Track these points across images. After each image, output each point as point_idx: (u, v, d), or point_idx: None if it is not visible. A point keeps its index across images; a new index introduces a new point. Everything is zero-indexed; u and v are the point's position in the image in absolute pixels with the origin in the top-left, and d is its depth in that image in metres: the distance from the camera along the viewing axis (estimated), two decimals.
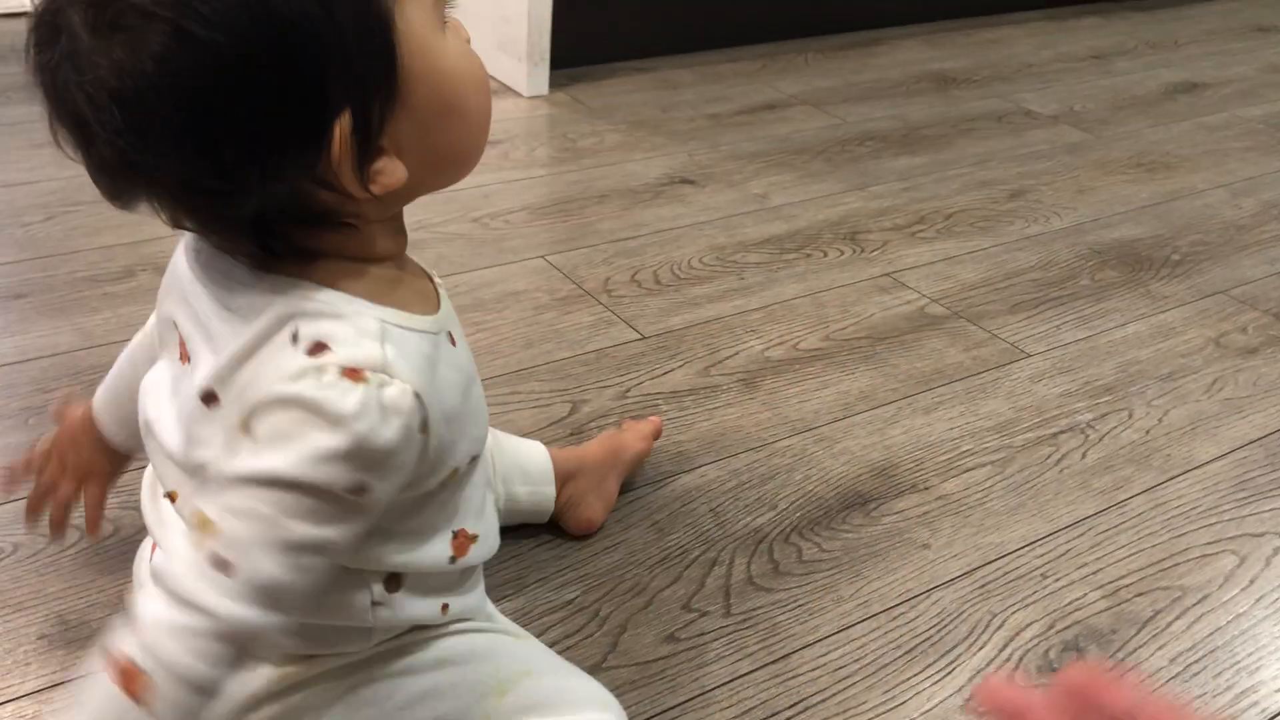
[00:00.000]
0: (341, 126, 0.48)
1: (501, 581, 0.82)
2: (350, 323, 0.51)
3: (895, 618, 0.81)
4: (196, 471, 0.56)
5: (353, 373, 0.50)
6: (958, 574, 0.86)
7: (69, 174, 1.35)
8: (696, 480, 0.93)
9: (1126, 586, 0.86)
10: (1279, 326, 1.25)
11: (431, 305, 0.58)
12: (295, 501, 0.49)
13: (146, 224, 1.23)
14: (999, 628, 0.81)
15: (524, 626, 0.74)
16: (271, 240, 0.51)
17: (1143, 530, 0.92)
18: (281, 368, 0.50)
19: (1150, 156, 1.70)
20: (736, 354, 1.11)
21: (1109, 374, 1.13)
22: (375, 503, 0.52)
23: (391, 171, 0.51)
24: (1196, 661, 0.80)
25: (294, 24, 0.46)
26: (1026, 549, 0.89)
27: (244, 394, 0.52)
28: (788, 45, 2.05)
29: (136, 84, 0.45)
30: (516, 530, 0.85)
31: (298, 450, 0.49)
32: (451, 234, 1.30)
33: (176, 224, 0.52)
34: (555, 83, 1.77)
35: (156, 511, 0.63)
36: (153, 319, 0.66)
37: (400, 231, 0.58)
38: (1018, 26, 2.29)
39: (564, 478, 0.85)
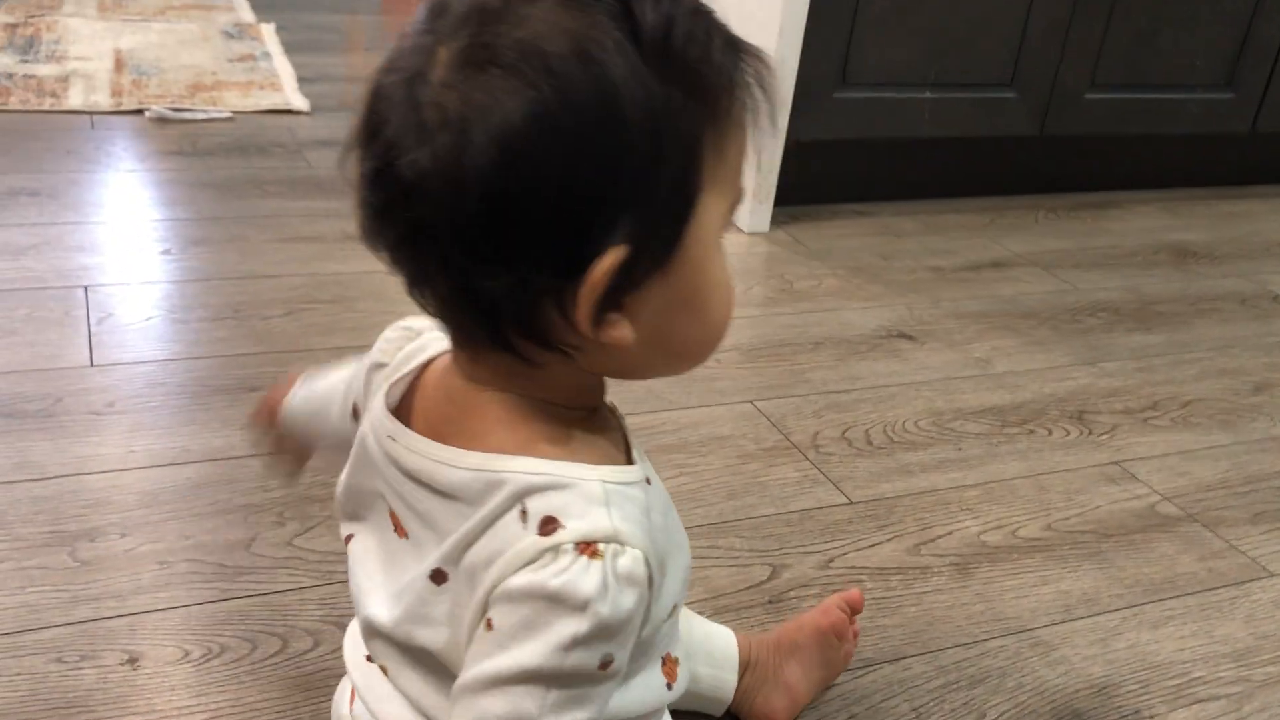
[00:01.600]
0: (610, 261, 0.48)
1: None
2: (576, 491, 0.51)
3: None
4: (414, 652, 0.56)
5: (587, 547, 0.50)
6: None
7: (311, 270, 1.42)
8: (900, 673, 0.88)
9: None
10: None
11: (623, 448, 0.58)
12: (553, 692, 0.50)
13: (377, 329, 1.28)
14: None
15: None
16: (496, 333, 0.51)
17: None
18: (517, 551, 0.50)
19: None
20: (950, 533, 1.06)
21: None
22: (620, 668, 0.52)
23: (621, 329, 0.51)
24: None
25: (633, 147, 0.47)
26: None
27: (477, 575, 0.52)
28: (1017, 201, 2.00)
29: (475, 124, 0.46)
30: None
31: (546, 640, 0.49)
32: None
33: (415, 288, 0.52)
34: (776, 220, 1.77)
35: (361, 669, 0.63)
36: (358, 365, 0.66)
37: (603, 386, 0.58)
38: (1262, 201, 2.17)
39: (744, 666, 0.81)
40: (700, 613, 0.87)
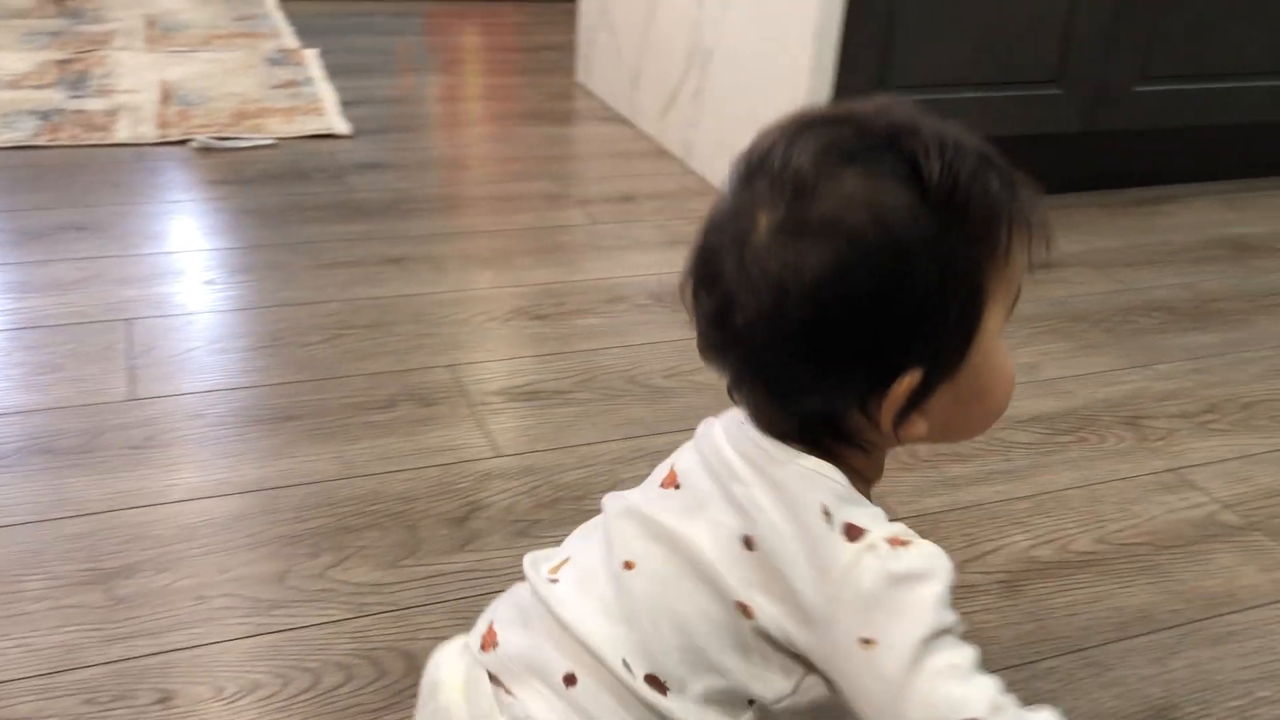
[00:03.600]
0: (908, 382, 0.57)
1: None
2: (867, 511, 0.59)
3: None
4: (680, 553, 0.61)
5: (896, 541, 0.58)
6: None
7: (349, 295, 1.43)
8: None
9: None
10: None
11: None
12: (948, 649, 0.56)
13: (414, 353, 1.28)
14: None
15: None
16: (807, 433, 0.60)
17: None
18: (846, 550, 0.57)
19: None
20: (998, 549, 1.03)
21: None
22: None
23: (917, 427, 0.60)
24: None
25: (925, 294, 0.56)
26: None
27: (782, 561, 0.58)
28: (1068, 199, 1.95)
29: (792, 284, 0.56)
30: None
31: (924, 605, 0.56)
32: (703, 384, 1.28)
33: (734, 393, 0.63)
34: None
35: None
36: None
37: (883, 460, 0.65)
38: None
39: None
40: None
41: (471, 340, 1.35)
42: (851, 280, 0.55)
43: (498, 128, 2.18)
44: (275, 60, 2.47)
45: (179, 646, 0.86)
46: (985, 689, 0.56)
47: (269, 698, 0.82)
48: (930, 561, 0.57)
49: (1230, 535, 1.07)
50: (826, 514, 0.58)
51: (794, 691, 0.60)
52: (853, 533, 0.57)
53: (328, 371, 1.26)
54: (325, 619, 0.89)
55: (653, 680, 0.59)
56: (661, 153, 2.06)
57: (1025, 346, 1.42)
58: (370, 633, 0.88)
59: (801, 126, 0.59)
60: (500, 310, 1.43)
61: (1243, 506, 1.12)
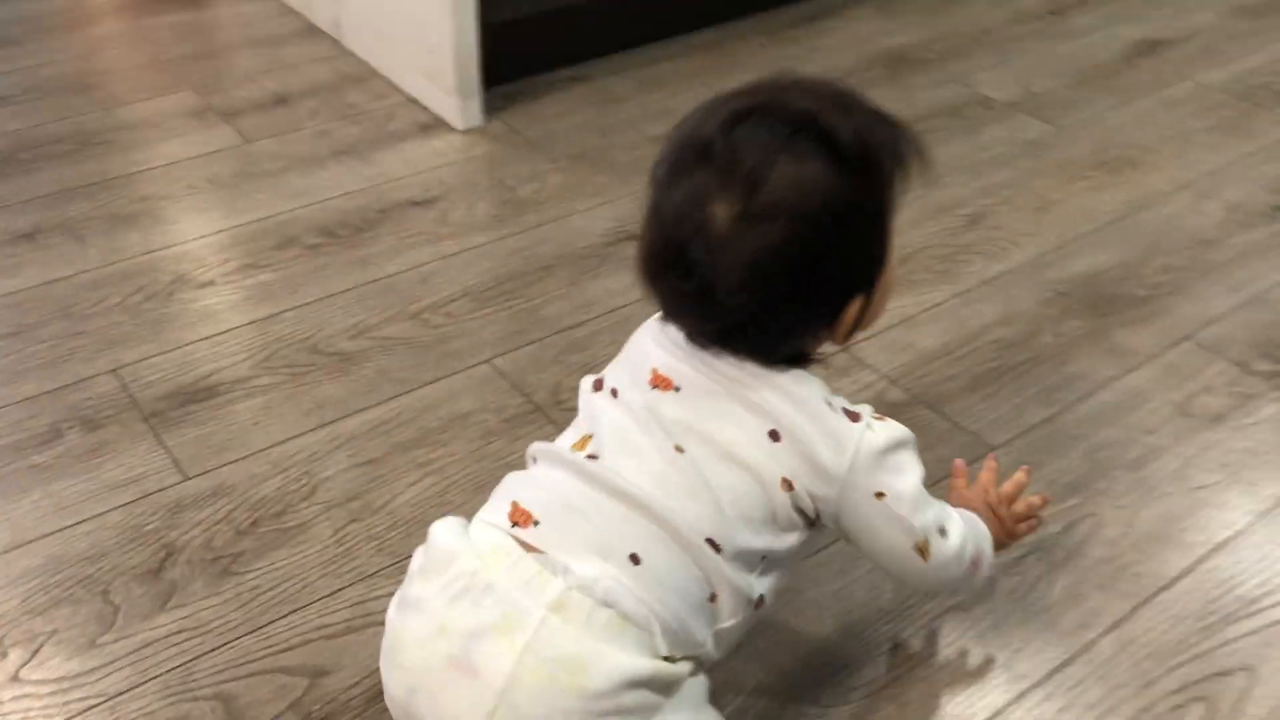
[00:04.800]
0: (856, 307, 0.74)
1: None
2: (843, 400, 0.76)
3: None
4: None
5: (879, 417, 0.76)
6: None
7: None
8: None
9: None
10: (1245, 381, 1.22)
11: None
12: (921, 493, 0.77)
13: (69, 362, 1.17)
14: None
15: None
16: (768, 360, 0.74)
17: (1111, 681, 0.91)
18: (854, 430, 0.73)
19: (1112, 151, 1.64)
20: None
21: (1075, 465, 1.11)
22: None
23: (856, 333, 0.77)
24: None
25: (859, 238, 0.72)
26: (996, 719, 0.88)
27: (808, 444, 0.72)
28: (731, 29, 1.95)
29: (760, 262, 0.68)
30: None
31: (909, 463, 0.76)
32: (390, 339, 1.25)
33: (724, 344, 0.73)
34: (490, 105, 1.68)
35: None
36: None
37: None
38: None
39: None
40: None
41: (132, 331, 1.25)
42: (808, 246, 0.69)
43: (120, 24, 1.95)
44: None
45: None
46: (947, 507, 0.81)
47: None
48: (900, 429, 0.76)
49: (899, 414, 1.16)
50: (828, 404, 0.74)
51: (797, 546, 0.76)
52: (852, 416, 0.74)
53: None
54: None
55: (711, 543, 0.70)
56: (311, 31, 1.90)
57: None
58: None
59: (732, 118, 0.69)
60: (159, 283, 1.32)
61: (908, 379, 1.21)
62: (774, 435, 0.72)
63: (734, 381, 0.73)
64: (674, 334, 0.76)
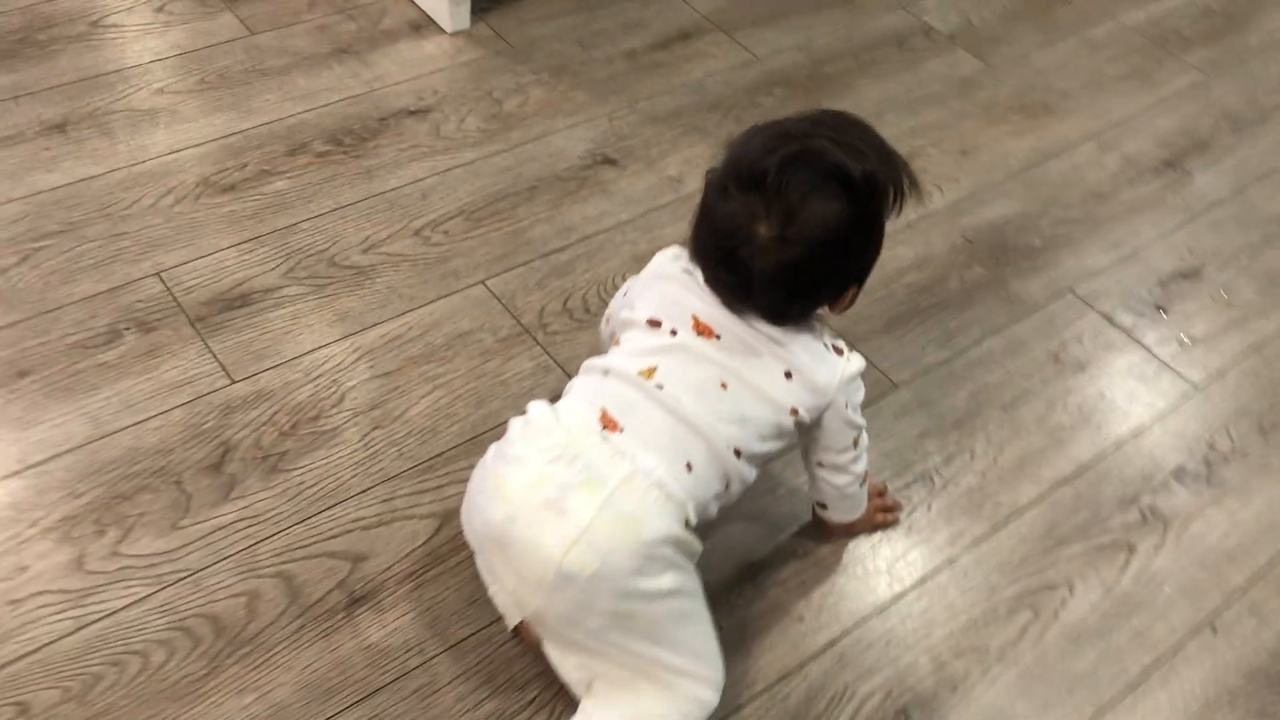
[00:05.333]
0: (853, 293, 1.03)
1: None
2: (832, 339, 1.06)
3: (774, 694, 1.09)
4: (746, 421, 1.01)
5: (851, 349, 1.07)
6: (824, 645, 1.13)
7: (26, 190, 1.43)
8: None
9: (948, 649, 1.14)
10: (1110, 332, 1.48)
11: None
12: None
13: (116, 263, 1.34)
14: (850, 699, 1.10)
15: None
16: (783, 321, 1.02)
17: (967, 587, 1.20)
18: (840, 361, 1.04)
19: (1034, 94, 1.85)
20: None
21: (961, 405, 1.37)
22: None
23: (849, 307, 1.06)
24: None
25: (859, 253, 1.01)
26: (876, 615, 1.16)
27: (811, 375, 1.02)
28: None
29: (787, 270, 0.96)
30: None
31: (861, 384, 1.08)
32: (397, 255, 1.44)
33: (740, 310, 1.01)
34: (476, 6, 1.81)
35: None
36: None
37: None
38: None
39: None
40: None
41: (169, 235, 1.42)
42: (823, 261, 0.97)
43: None
44: None
45: (16, 657, 1.04)
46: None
47: (111, 687, 1.03)
48: (861, 361, 1.06)
49: None
50: (824, 345, 1.04)
51: (778, 451, 1.05)
52: (839, 351, 1.05)
53: (37, 306, 1.32)
54: (133, 598, 1.09)
55: (737, 452, 1.00)
56: None
57: (670, 155, 1.64)
58: (175, 604, 1.09)
59: (782, 161, 0.93)
60: (186, 184, 1.49)
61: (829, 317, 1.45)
62: (788, 375, 1.01)
63: (758, 332, 1.01)
64: (700, 281, 1.03)
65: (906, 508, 1.26)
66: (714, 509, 1.01)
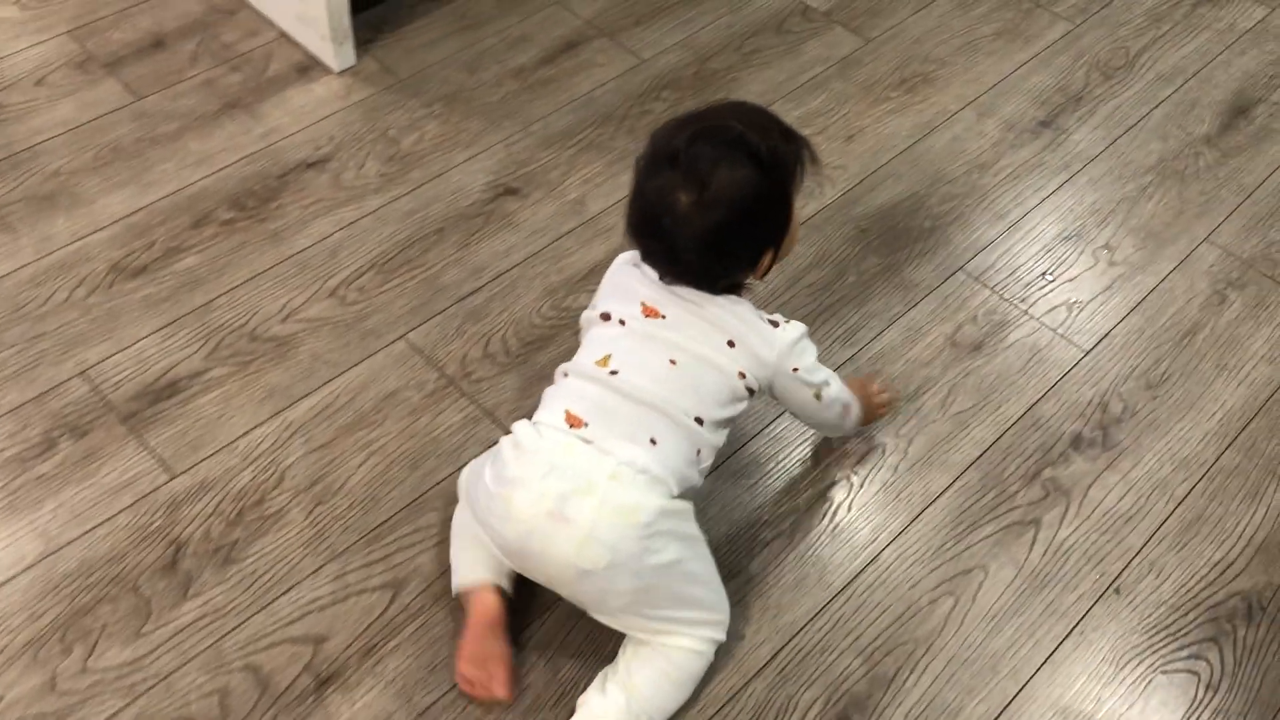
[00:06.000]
0: (770, 256, 1.16)
1: None
2: (766, 314, 1.18)
3: (724, 717, 1.18)
4: (705, 387, 1.14)
5: (787, 321, 1.18)
6: (765, 661, 1.22)
7: None
8: None
9: (879, 648, 1.24)
10: (1004, 309, 1.57)
11: None
12: (815, 364, 1.21)
13: (39, 366, 1.37)
14: (793, 710, 1.19)
15: None
16: (718, 289, 1.15)
17: (890, 584, 1.29)
18: (776, 333, 1.16)
19: (912, 65, 1.90)
20: None
21: None
22: None
23: (768, 270, 1.18)
24: (921, 714, 1.20)
25: (771, 216, 1.13)
26: (810, 623, 1.25)
27: (751, 346, 1.14)
28: None
29: (707, 233, 1.09)
30: None
31: (808, 347, 1.19)
32: (317, 320, 1.47)
33: (684, 280, 1.14)
34: (360, 39, 1.82)
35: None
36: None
37: None
38: None
39: None
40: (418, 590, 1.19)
41: (87, 329, 1.44)
42: (739, 224, 1.09)
43: None
44: None
45: None
46: (831, 373, 1.25)
47: None
48: (800, 326, 1.18)
49: None
50: (758, 317, 1.15)
51: (745, 410, 1.17)
52: (772, 323, 1.16)
53: None
54: (109, 712, 1.14)
55: (698, 420, 1.12)
56: None
57: (570, 177, 1.68)
58: (151, 713, 1.14)
59: (690, 137, 1.09)
60: (97, 273, 1.50)
61: None
62: (730, 344, 1.13)
63: (698, 306, 1.14)
64: (650, 273, 1.16)
65: (829, 509, 1.34)
66: (695, 477, 1.14)
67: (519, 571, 1.16)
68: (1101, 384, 1.49)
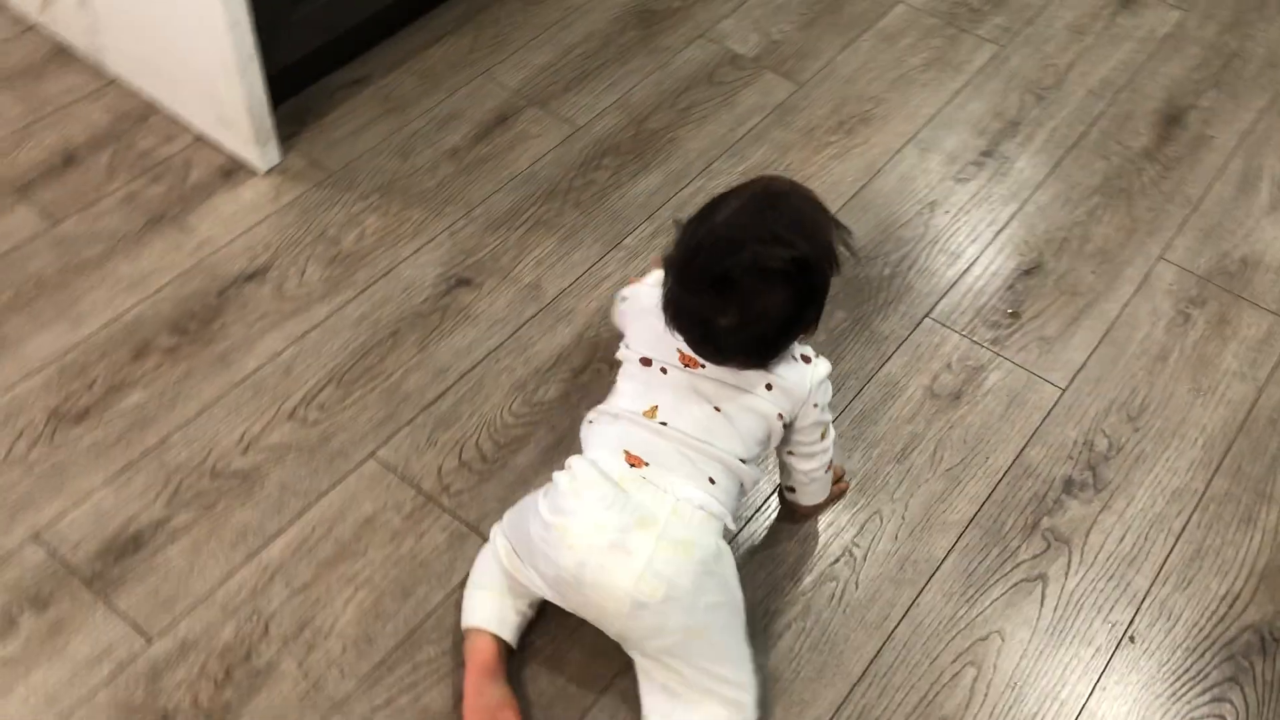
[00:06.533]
0: (806, 334, 1.17)
1: None
2: (804, 350, 1.22)
3: None
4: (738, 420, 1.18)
5: (820, 357, 1.23)
6: None
7: None
8: None
9: None
10: (977, 353, 1.56)
11: None
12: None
13: None
14: None
15: None
16: (761, 363, 1.17)
17: (910, 662, 1.26)
18: (808, 370, 1.20)
19: (848, 107, 1.89)
20: None
21: (858, 466, 1.43)
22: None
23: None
24: None
25: (810, 314, 1.15)
26: (835, 716, 1.22)
27: (788, 386, 1.19)
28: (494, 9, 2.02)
29: (749, 343, 1.13)
30: None
31: (829, 385, 1.24)
32: (279, 446, 1.40)
33: (723, 362, 1.16)
34: (284, 132, 1.74)
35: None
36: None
37: None
38: None
39: None
40: None
41: (33, 487, 1.35)
42: (780, 331, 1.13)
43: None
44: None
45: None
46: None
47: None
48: (827, 364, 1.22)
49: None
50: (795, 356, 1.19)
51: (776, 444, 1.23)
52: (806, 359, 1.21)
53: None
54: None
55: (742, 460, 1.17)
56: (63, 55, 1.85)
57: (522, 260, 1.63)
58: None
59: (729, 272, 1.08)
60: (36, 423, 1.41)
61: None
62: (768, 386, 1.17)
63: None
64: None
65: (836, 589, 1.31)
66: (739, 508, 1.23)
67: (565, 607, 1.17)
68: (1083, 422, 1.49)
